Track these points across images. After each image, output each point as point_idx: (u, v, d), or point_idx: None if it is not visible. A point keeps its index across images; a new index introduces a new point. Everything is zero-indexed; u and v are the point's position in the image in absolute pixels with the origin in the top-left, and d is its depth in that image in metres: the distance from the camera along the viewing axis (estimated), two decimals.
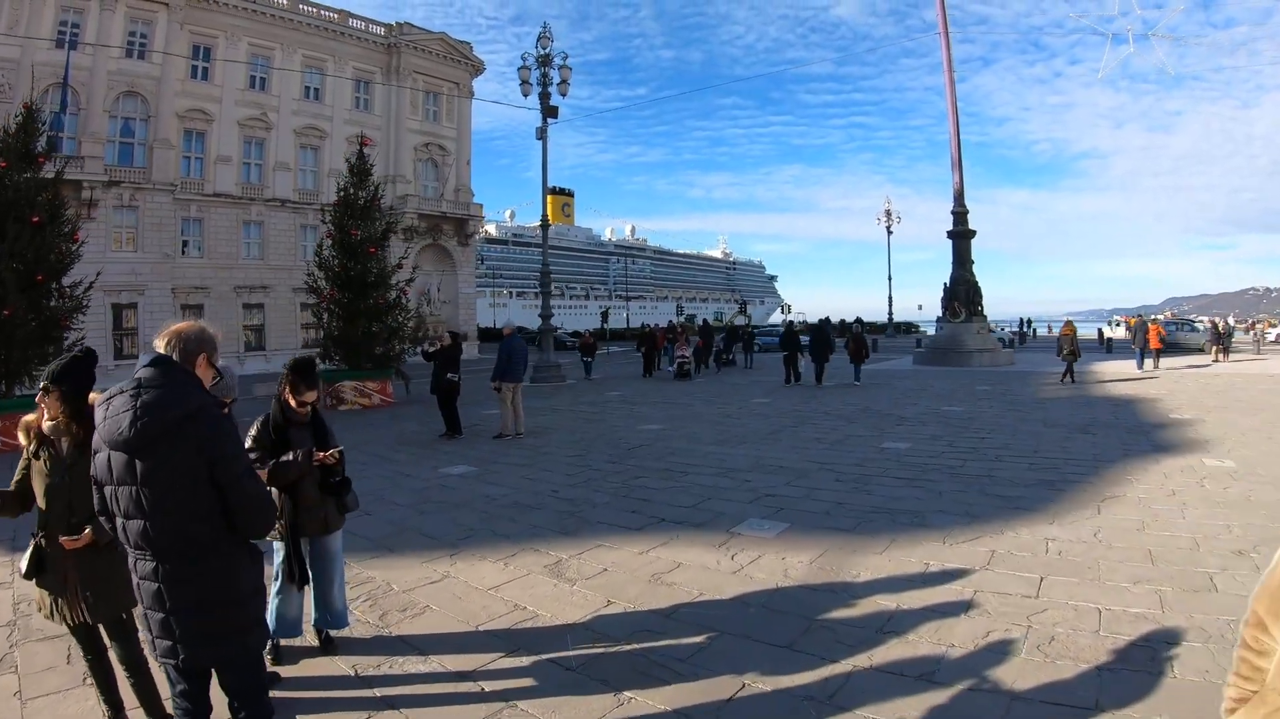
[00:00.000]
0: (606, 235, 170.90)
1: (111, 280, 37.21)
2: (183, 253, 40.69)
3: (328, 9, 48.27)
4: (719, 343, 27.43)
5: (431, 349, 14.52)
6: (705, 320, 34.70)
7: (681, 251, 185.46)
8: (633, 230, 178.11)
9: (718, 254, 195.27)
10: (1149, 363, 23.70)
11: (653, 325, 24.91)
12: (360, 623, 4.80)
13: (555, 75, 26.16)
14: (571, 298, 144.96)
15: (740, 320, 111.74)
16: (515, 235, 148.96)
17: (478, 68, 54.01)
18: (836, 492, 8.08)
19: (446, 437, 12.41)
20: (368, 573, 5.77)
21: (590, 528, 6.94)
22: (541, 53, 25.87)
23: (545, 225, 26.66)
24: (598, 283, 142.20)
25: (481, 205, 53.95)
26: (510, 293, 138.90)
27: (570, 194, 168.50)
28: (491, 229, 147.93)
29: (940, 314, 28.90)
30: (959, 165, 27.75)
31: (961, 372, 23.96)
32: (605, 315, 76.78)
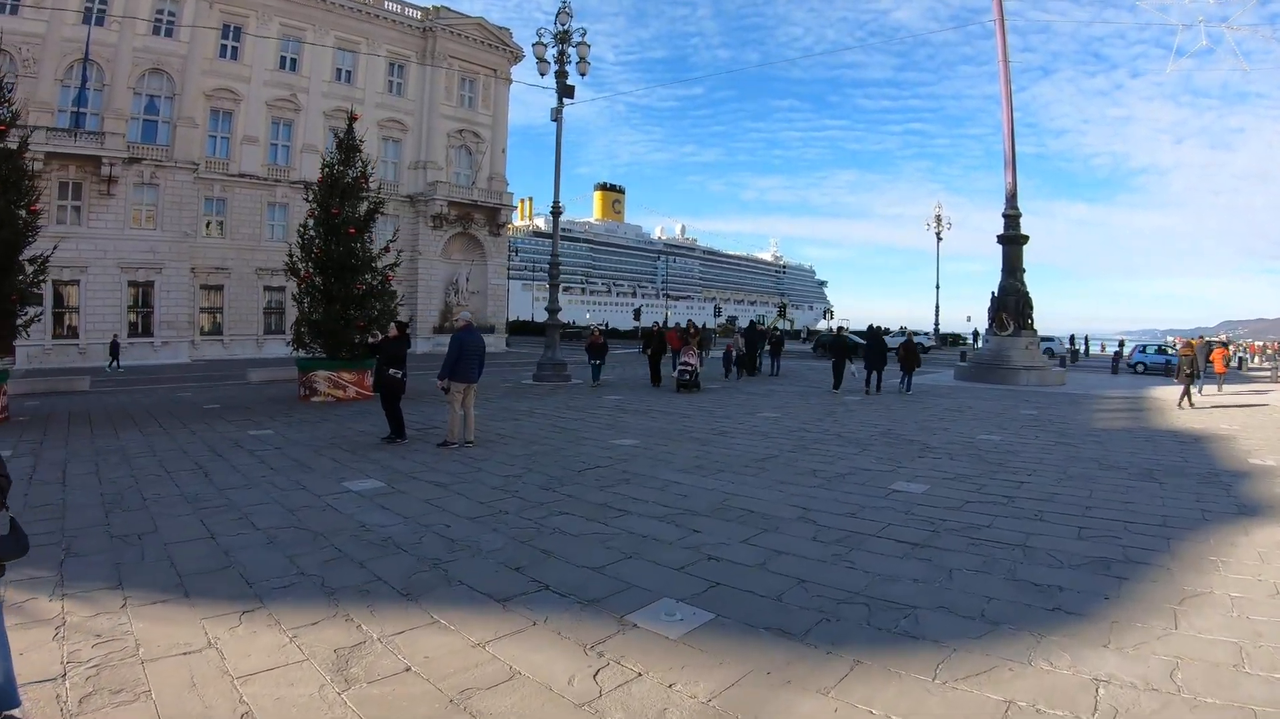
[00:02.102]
0: (656, 234, 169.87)
1: (129, 258, 37.06)
2: (205, 233, 40.31)
3: None
4: (739, 346, 25.12)
5: (374, 340, 13.05)
6: (751, 321, 32.37)
7: (731, 253, 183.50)
8: (683, 230, 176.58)
9: (768, 257, 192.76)
10: (1210, 387, 21.13)
11: (660, 323, 22.65)
12: (43, 705, 3.51)
13: (574, 55, 24.29)
14: (618, 294, 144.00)
15: (782, 324, 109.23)
16: (564, 230, 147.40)
17: (516, 55, 52.49)
18: (806, 560, 5.97)
19: (388, 440, 11.13)
20: (133, 625, 4.49)
21: (442, 590, 5.17)
22: (560, 29, 24.02)
23: (556, 213, 24.74)
24: (645, 280, 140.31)
25: (513, 195, 52.46)
26: (559, 287, 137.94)
27: (621, 190, 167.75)
28: (540, 223, 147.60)
29: (987, 326, 26.38)
30: (1013, 165, 25.23)
31: (1006, 391, 21.45)
32: (638, 313, 74.94)
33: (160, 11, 37.90)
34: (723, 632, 4.54)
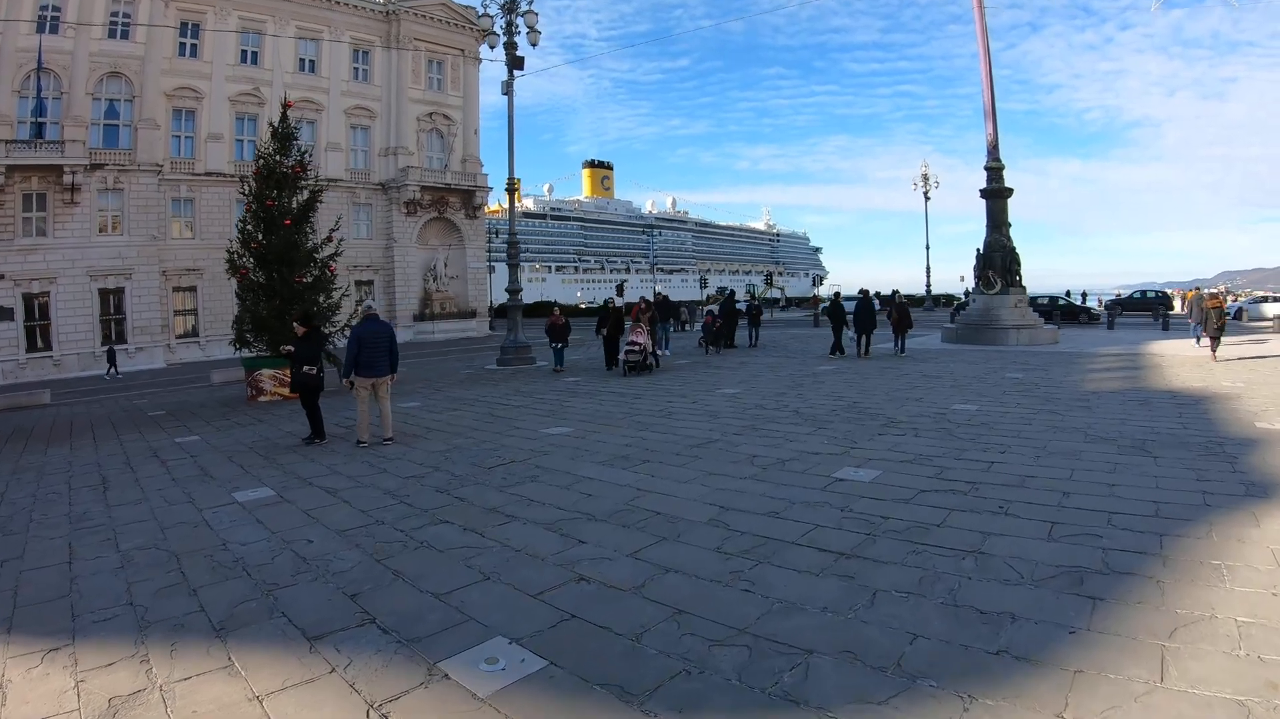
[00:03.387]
0: (647, 208, 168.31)
1: (98, 265, 36.19)
2: (174, 234, 39.25)
3: None
4: (712, 317, 23.67)
5: (287, 351, 11.96)
6: (729, 291, 30.97)
7: (724, 224, 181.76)
8: (673, 203, 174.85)
9: (761, 226, 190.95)
10: (1206, 340, 19.95)
11: (614, 300, 21.05)
12: None
13: (523, 25, 22.96)
14: (612, 271, 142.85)
15: (773, 293, 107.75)
16: (554, 210, 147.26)
17: (485, 33, 50.75)
18: (696, 580, 4.74)
19: (307, 442, 10.51)
20: None
21: (259, 625, 4.45)
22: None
23: (512, 189, 23.47)
24: (638, 256, 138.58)
25: (488, 176, 50.98)
26: (550, 267, 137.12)
27: (609, 167, 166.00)
28: (530, 203, 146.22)
29: (973, 285, 24.98)
30: (993, 115, 23.70)
31: (994, 352, 20.10)
32: (621, 288, 73.50)
33: (115, 14, 36.73)
34: (546, 689, 3.48)
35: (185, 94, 39.64)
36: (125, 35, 36.93)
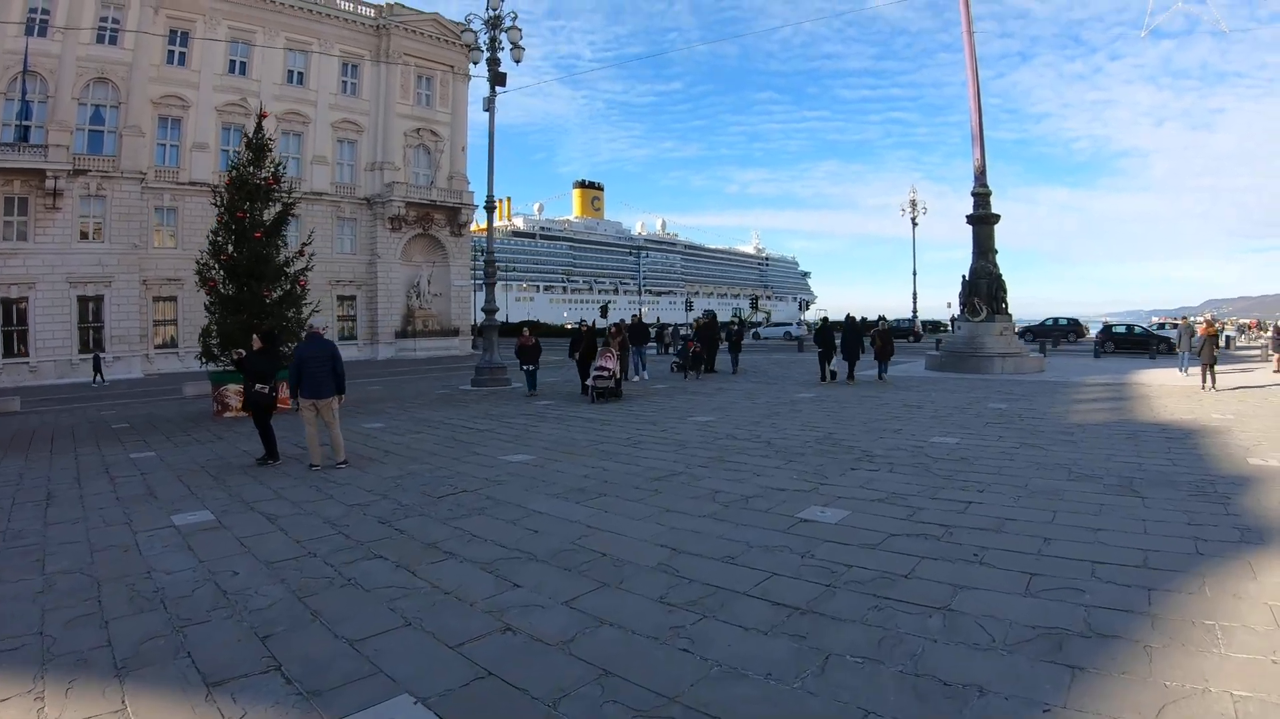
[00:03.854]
0: (637, 229, 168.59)
1: (78, 272, 35.64)
2: (156, 243, 38.73)
3: None
4: (690, 341, 23.14)
5: (238, 356, 11.73)
6: (710, 315, 30.28)
7: (713, 247, 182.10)
8: (663, 225, 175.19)
9: (750, 250, 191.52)
10: (1194, 370, 19.75)
11: (587, 321, 20.39)
12: None
13: (505, 41, 22.72)
14: (600, 292, 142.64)
15: (758, 317, 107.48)
16: (543, 229, 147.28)
17: (470, 48, 50.65)
18: (631, 636, 4.25)
19: (260, 462, 10.19)
20: None
21: (160, 665, 4.15)
22: (491, 14, 22.34)
23: (490, 207, 23.03)
24: (627, 277, 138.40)
25: (474, 193, 50.51)
26: (538, 287, 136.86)
27: (600, 188, 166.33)
28: (519, 222, 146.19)
29: (958, 312, 24.63)
30: (980, 140, 23.48)
31: (978, 381, 19.70)
32: (605, 310, 73.09)
33: (104, 19, 36.37)
34: None
35: (172, 102, 39.28)
36: (114, 41, 36.56)
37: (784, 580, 5.09)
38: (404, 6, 48.20)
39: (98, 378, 31.70)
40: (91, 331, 36.07)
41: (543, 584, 5.16)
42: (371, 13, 47.24)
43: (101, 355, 33.30)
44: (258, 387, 10.24)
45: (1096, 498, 7.07)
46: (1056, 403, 15.05)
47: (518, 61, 23.22)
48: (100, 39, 36.36)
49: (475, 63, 23.50)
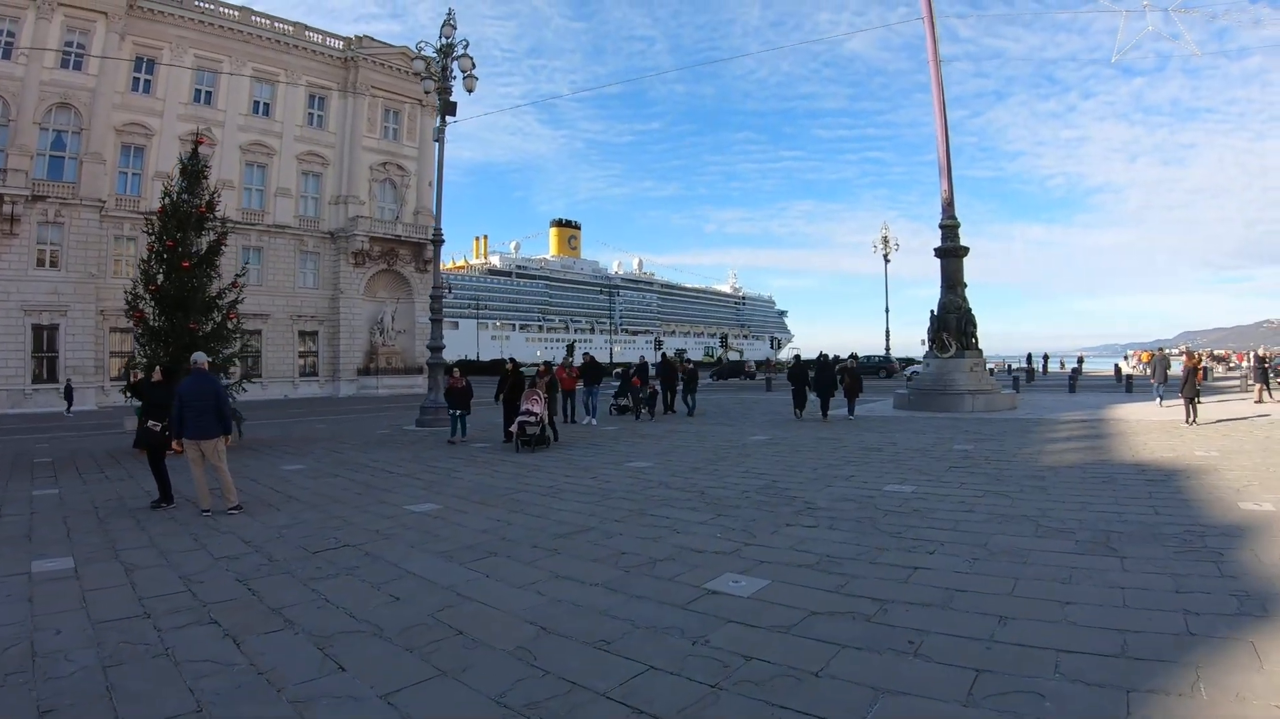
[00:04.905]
0: (614, 268, 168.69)
1: (32, 300, 34.48)
2: (114, 273, 37.48)
3: (282, 21, 45.12)
4: (640, 380, 21.86)
5: (135, 379, 11.44)
6: (664, 355, 29.17)
7: (690, 286, 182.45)
8: (640, 264, 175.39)
9: (727, 289, 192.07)
10: (1170, 402, 19.16)
11: (512, 359, 19.06)
12: None
13: (457, 70, 21.91)
14: (576, 331, 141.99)
15: (732, 355, 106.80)
16: (519, 268, 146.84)
17: (420, 76, 50.21)
18: None
19: (155, 505, 9.46)
20: None
21: None
22: (444, 42, 21.55)
23: (437, 241, 22.18)
24: (603, 316, 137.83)
25: (441, 230, 49.47)
26: (514, 325, 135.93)
27: (577, 226, 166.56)
28: (495, 260, 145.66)
29: (926, 348, 23.71)
30: (948, 172, 22.78)
31: (946, 420, 18.64)
32: (571, 348, 72.02)
33: (69, 44, 35.85)
34: None
35: (135, 130, 38.64)
36: (78, 66, 36.03)
37: (660, 678, 3.92)
38: (372, 39, 47.70)
39: (70, 407, 30.82)
40: (45, 361, 35.17)
41: (373, 668, 4.19)
42: (340, 45, 46.75)
43: (73, 385, 32.49)
44: (150, 423, 9.61)
45: (1067, 559, 5.93)
46: (1027, 443, 13.99)
47: (470, 91, 22.37)
48: (65, 64, 35.85)
49: (428, 91, 22.65)
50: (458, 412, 16.83)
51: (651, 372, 22.17)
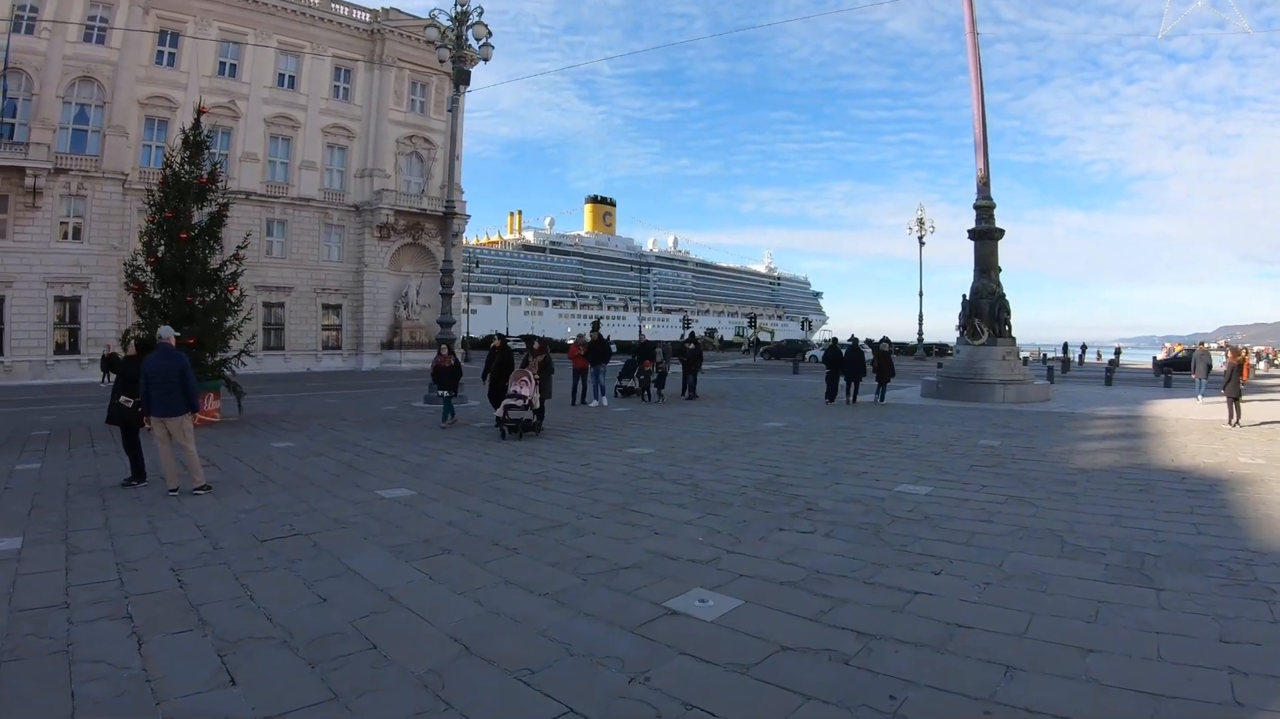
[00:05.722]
0: (649, 246, 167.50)
1: (55, 272, 34.55)
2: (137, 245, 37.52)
3: None
4: (651, 362, 20.96)
5: (107, 353, 10.12)
6: (693, 334, 28.07)
7: (725, 265, 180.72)
8: (675, 242, 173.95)
9: (762, 269, 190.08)
10: (1210, 399, 17.95)
11: (501, 334, 18.06)
12: None
13: (473, 39, 21.24)
14: (610, 308, 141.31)
15: (764, 335, 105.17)
16: (553, 243, 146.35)
17: (473, 58, 49.44)
18: None
19: (126, 484, 9.22)
20: None
21: None
22: (458, 9, 20.85)
23: (450, 215, 21.55)
24: (637, 294, 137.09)
25: (466, 203, 49.06)
26: (547, 301, 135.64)
27: (612, 203, 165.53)
28: (530, 236, 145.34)
29: (957, 335, 22.64)
30: (984, 149, 21.62)
31: (974, 411, 17.67)
32: (597, 325, 71.28)
33: (92, 17, 35.42)
34: None
35: (159, 103, 38.20)
36: (101, 40, 35.63)
37: None
38: (399, 12, 46.93)
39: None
40: (68, 333, 35.14)
41: (264, 685, 3.75)
42: (366, 17, 46.03)
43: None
44: (122, 399, 9.28)
45: (1094, 589, 5.10)
46: (1059, 439, 13.04)
47: (486, 60, 21.72)
48: (88, 37, 35.45)
49: (442, 60, 21.97)
50: (446, 393, 15.42)
51: (658, 354, 21.21)
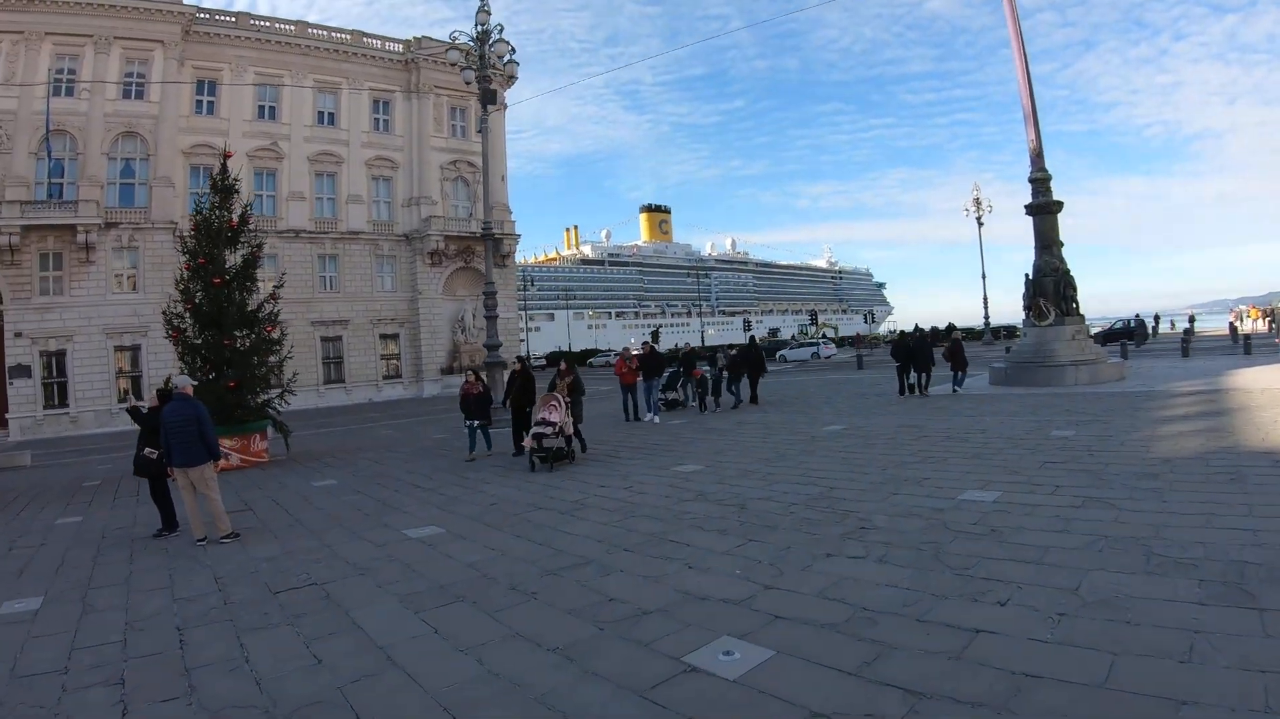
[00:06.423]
0: (707, 250, 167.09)
1: (113, 323, 35.74)
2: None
3: (339, 30, 45.43)
4: (701, 372, 20.29)
5: (130, 406, 10.65)
6: (752, 338, 27.48)
7: (785, 263, 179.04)
8: (733, 244, 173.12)
9: (823, 264, 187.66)
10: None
11: (522, 356, 17.52)
12: None
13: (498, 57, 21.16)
14: (673, 315, 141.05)
15: (828, 332, 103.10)
16: (611, 255, 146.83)
17: (502, 77, 49.68)
18: None
19: (157, 535, 9.20)
20: None
21: None
22: (479, 29, 20.76)
23: (487, 235, 21.24)
24: (699, 299, 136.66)
25: (515, 222, 49.24)
26: (609, 313, 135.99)
27: (667, 211, 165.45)
28: (587, 250, 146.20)
29: (1023, 317, 21.47)
30: (1034, 119, 20.47)
31: (1045, 396, 16.58)
32: (656, 335, 70.64)
33: (129, 74, 36.70)
34: None
35: (203, 151, 39.02)
36: (140, 95, 36.85)
37: None
38: (431, 39, 47.34)
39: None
40: (130, 380, 36.07)
41: None
42: (399, 48, 46.63)
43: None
44: (147, 450, 9.24)
45: (1187, 615, 4.35)
46: (1138, 423, 12.01)
47: (513, 77, 21.64)
48: (127, 94, 36.71)
49: (468, 82, 21.92)
50: (475, 423, 14.24)
51: (710, 364, 20.58)
